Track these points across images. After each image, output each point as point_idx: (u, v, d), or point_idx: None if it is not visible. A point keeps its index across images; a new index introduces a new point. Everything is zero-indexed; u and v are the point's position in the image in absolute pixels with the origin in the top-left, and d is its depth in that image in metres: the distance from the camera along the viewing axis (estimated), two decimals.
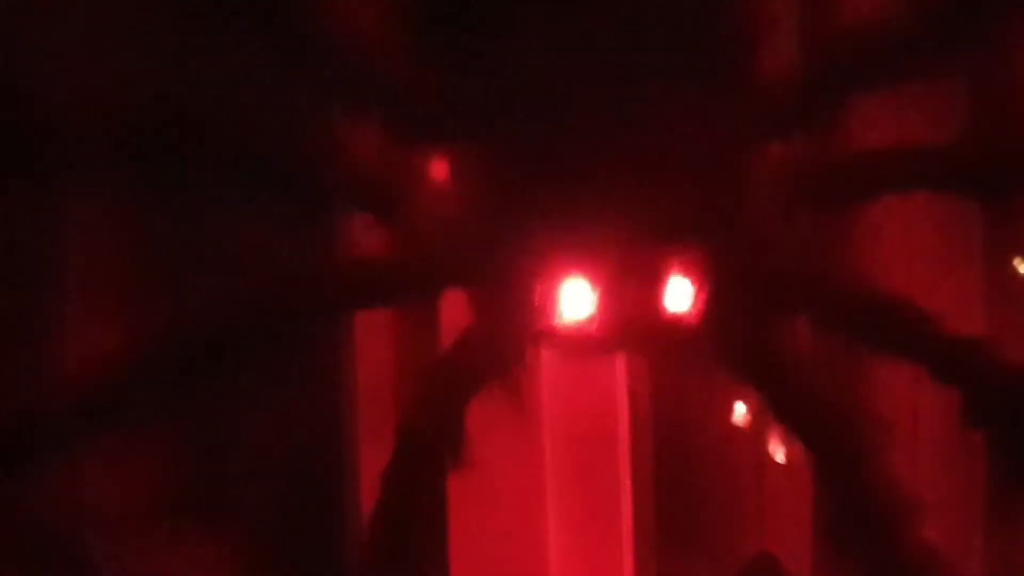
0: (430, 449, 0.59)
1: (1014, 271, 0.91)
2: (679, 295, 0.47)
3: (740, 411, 0.87)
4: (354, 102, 0.63)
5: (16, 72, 0.76)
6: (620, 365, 0.90)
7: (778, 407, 0.53)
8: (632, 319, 0.47)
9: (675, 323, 0.47)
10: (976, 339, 0.64)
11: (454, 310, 0.73)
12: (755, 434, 0.89)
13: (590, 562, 0.87)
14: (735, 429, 0.90)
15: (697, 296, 0.47)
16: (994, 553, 0.95)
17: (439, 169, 0.64)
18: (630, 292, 0.48)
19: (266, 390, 0.86)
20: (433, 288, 0.61)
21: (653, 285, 0.47)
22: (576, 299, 0.48)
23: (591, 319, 0.49)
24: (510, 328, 0.52)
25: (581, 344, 0.50)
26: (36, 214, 0.93)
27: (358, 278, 0.69)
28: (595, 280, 0.48)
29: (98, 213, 0.90)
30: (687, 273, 0.48)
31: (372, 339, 0.89)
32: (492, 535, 0.88)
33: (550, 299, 0.49)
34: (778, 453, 0.89)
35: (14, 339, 0.89)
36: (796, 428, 0.54)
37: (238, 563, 0.92)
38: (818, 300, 0.54)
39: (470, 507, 0.81)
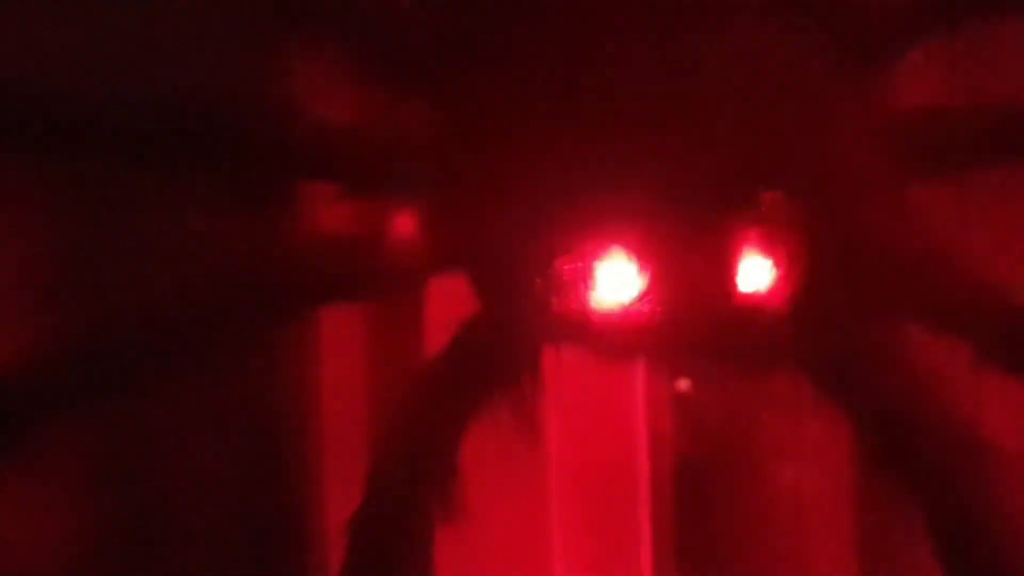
0: (411, 496, 0.46)
1: None
2: (756, 277, 0.34)
3: None
4: (326, 30, 0.51)
5: None
6: (639, 378, 0.79)
7: (880, 426, 0.40)
8: (691, 308, 0.34)
9: (751, 315, 0.35)
10: None
11: (444, 304, 0.59)
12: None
13: None
14: (774, 449, 0.79)
15: (781, 280, 0.35)
16: None
17: (425, 124, 0.51)
18: (689, 273, 0.35)
19: (209, 407, 0.74)
20: (419, 274, 0.47)
21: (720, 264, 0.35)
22: (615, 282, 0.35)
23: (635, 307, 0.36)
24: (522, 323, 0.38)
25: (619, 343, 0.36)
26: None
27: (324, 265, 0.57)
28: (641, 257, 0.35)
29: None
30: (767, 249, 0.35)
31: (341, 342, 0.81)
32: None
33: (578, 283, 0.36)
34: None
35: None
36: (899, 451, 0.41)
37: None
38: (938, 293, 0.41)
39: (462, 558, 0.67)
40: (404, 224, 0.51)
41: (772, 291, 0.38)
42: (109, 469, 0.80)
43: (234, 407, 0.72)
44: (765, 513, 0.87)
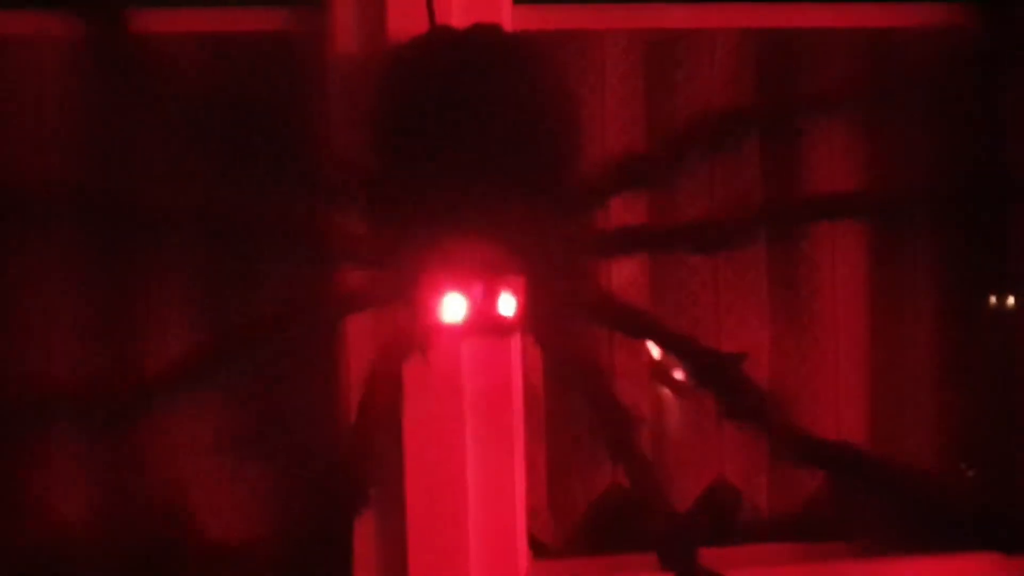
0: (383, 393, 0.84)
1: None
2: (509, 305, 0.79)
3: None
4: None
5: None
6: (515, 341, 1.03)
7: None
8: (481, 319, 0.79)
9: (507, 323, 0.79)
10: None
11: None
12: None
13: (493, 487, 1.05)
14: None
15: (519, 308, 0.79)
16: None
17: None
18: (480, 303, 0.79)
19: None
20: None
21: (494, 299, 0.79)
22: (453, 305, 0.80)
23: (467, 319, 0.81)
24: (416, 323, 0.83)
25: (462, 331, 0.82)
26: None
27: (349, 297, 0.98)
28: (465, 293, 0.80)
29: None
30: (515, 292, 0.80)
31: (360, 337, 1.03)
32: (431, 467, 1.04)
33: (437, 305, 0.81)
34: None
35: None
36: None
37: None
38: (602, 313, 0.86)
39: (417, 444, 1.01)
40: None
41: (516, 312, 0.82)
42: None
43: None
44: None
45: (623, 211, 1.08)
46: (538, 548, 1.13)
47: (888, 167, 1.17)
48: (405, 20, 0.97)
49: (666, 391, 1.19)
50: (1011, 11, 1.09)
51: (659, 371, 1.17)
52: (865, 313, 1.18)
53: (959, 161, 1.17)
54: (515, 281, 0.78)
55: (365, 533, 1.02)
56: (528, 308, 0.79)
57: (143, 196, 0.98)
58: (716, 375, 0.87)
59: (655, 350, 1.15)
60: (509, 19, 1.05)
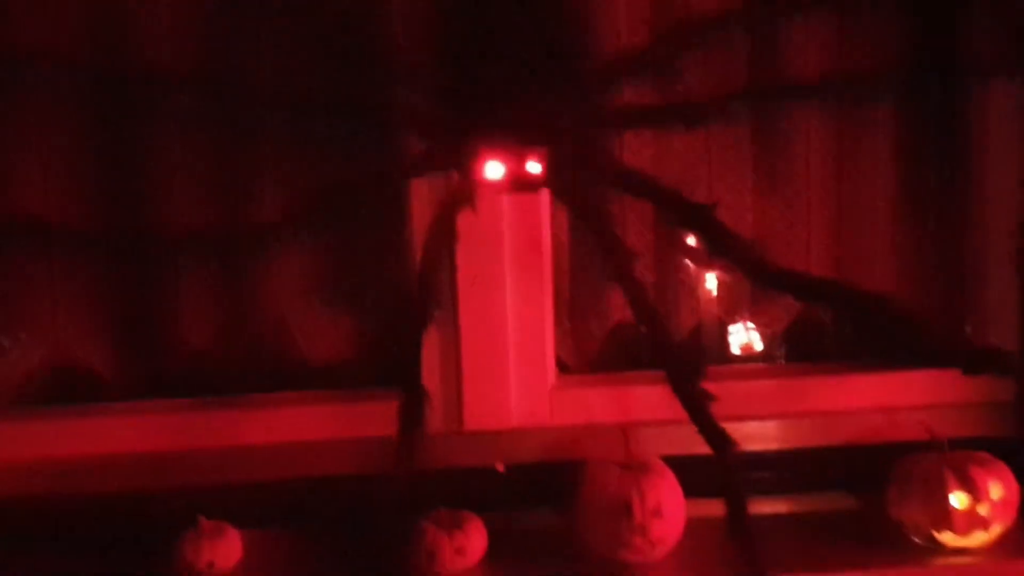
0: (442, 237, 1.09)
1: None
2: (535, 168, 1.03)
3: None
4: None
5: None
6: (543, 199, 1.22)
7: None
8: (514, 178, 1.03)
9: (533, 180, 1.03)
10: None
11: None
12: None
13: (528, 317, 1.24)
14: None
15: (543, 170, 1.03)
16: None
17: None
18: (513, 167, 1.03)
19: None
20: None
21: (523, 163, 1.03)
22: (493, 168, 1.04)
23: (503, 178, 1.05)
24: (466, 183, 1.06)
25: (500, 188, 1.05)
26: None
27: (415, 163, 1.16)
28: (502, 159, 1.04)
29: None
30: (539, 158, 1.04)
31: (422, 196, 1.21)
32: (479, 299, 1.22)
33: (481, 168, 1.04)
34: None
35: None
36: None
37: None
38: (610, 175, 1.09)
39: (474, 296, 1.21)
40: None
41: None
42: None
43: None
44: None
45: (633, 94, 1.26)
46: (563, 367, 1.31)
47: (858, 51, 1.31)
48: None
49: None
50: None
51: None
52: (833, 176, 1.36)
53: (922, 44, 1.30)
54: (539, 150, 1.02)
55: (431, 349, 1.24)
56: (550, 170, 1.03)
57: (253, 78, 1.17)
58: (697, 221, 1.10)
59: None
60: None
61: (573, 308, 1.32)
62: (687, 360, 1.06)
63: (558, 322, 1.29)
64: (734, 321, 1.36)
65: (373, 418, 1.20)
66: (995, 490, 1.15)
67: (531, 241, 1.22)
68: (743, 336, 1.37)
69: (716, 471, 1.07)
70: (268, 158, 1.22)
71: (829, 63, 1.31)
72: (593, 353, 1.33)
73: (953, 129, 1.32)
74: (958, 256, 1.33)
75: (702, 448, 1.11)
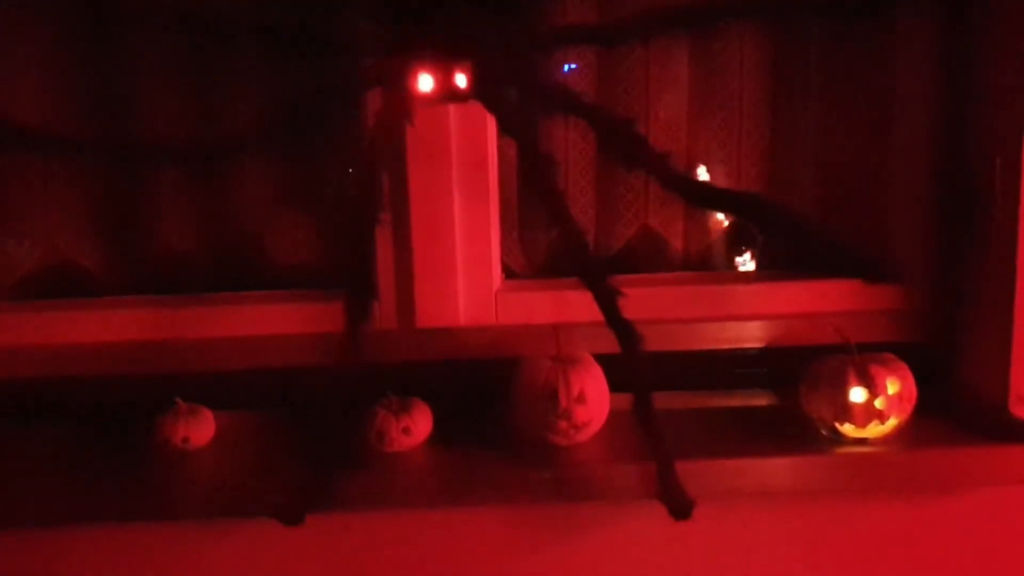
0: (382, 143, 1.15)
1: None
2: (462, 81, 1.10)
3: None
4: None
5: None
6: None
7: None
8: (443, 90, 1.10)
9: (460, 92, 1.11)
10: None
11: None
12: None
13: (475, 224, 1.30)
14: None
15: (469, 83, 1.10)
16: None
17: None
18: (442, 80, 1.11)
19: None
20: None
21: (451, 77, 1.10)
22: (424, 81, 1.11)
23: (433, 90, 1.13)
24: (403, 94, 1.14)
25: (431, 100, 1.13)
26: None
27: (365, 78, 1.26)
28: (432, 73, 1.11)
29: None
30: (466, 73, 1.11)
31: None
32: (430, 205, 1.28)
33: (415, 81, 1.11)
34: None
35: None
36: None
37: None
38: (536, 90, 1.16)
39: (424, 204, 1.27)
40: None
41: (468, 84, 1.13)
42: None
43: None
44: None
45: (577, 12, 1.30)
46: (510, 273, 1.39)
47: None
48: None
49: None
50: None
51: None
52: (765, 98, 1.42)
53: None
54: (466, 65, 1.09)
55: (384, 251, 1.33)
56: (476, 83, 1.10)
57: (224, 8, 1.23)
58: (620, 135, 1.17)
59: None
60: None
61: (521, 217, 1.39)
62: (598, 262, 1.13)
63: (506, 230, 1.36)
64: (671, 231, 1.43)
65: (331, 315, 1.28)
66: (892, 386, 1.23)
67: (477, 153, 1.28)
68: (680, 245, 1.44)
69: (624, 365, 1.15)
70: (240, 77, 1.31)
71: None
72: (539, 260, 1.40)
73: (877, 55, 1.36)
74: (878, 176, 1.38)
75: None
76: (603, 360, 1.26)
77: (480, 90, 1.10)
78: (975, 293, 1.32)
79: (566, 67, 1.36)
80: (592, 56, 1.38)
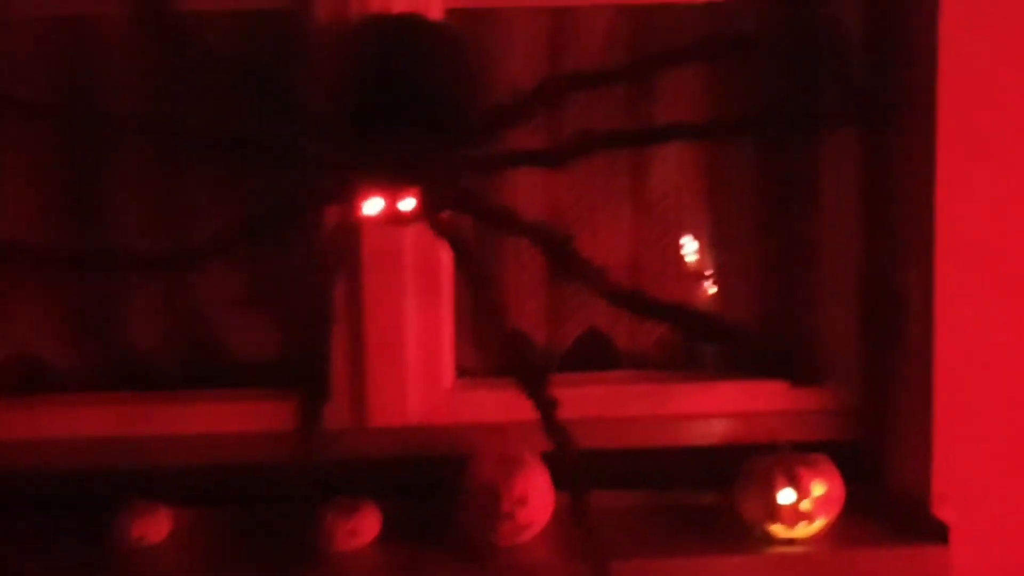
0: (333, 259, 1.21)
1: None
2: (408, 205, 1.15)
3: None
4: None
5: None
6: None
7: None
8: (390, 213, 1.16)
9: (406, 216, 1.16)
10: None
11: None
12: None
13: (428, 324, 1.33)
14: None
15: (416, 207, 1.15)
16: None
17: None
18: (390, 203, 1.16)
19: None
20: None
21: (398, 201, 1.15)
22: (372, 204, 1.16)
23: (381, 213, 1.17)
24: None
25: (379, 221, 1.18)
26: None
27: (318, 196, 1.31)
28: (381, 196, 1.16)
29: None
30: (413, 197, 1.16)
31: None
32: (382, 312, 1.31)
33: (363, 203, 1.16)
34: None
35: None
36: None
37: None
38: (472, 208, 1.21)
39: (378, 308, 1.30)
40: None
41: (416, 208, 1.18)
42: None
43: None
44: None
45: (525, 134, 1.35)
46: (464, 371, 1.37)
47: (723, 103, 1.44)
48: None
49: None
50: None
51: None
52: (701, 209, 1.48)
53: (779, 95, 1.42)
54: (413, 190, 1.14)
55: (339, 352, 1.34)
56: (423, 206, 1.15)
57: (188, 124, 1.31)
58: (557, 250, 1.22)
59: None
60: (439, 1, 1.35)
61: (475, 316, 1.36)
62: (538, 369, 1.17)
63: (461, 329, 1.36)
64: (617, 331, 1.47)
65: (287, 413, 1.31)
66: (818, 488, 1.27)
67: (431, 257, 1.31)
68: (625, 343, 1.48)
69: (561, 467, 1.18)
70: (204, 188, 1.34)
71: (700, 108, 1.44)
72: (493, 358, 1.38)
73: (805, 170, 1.43)
74: (807, 281, 1.44)
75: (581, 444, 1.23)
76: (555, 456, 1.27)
77: (427, 213, 1.15)
78: (898, 395, 1.37)
79: None
80: (540, 173, 1.42)
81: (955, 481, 1.28)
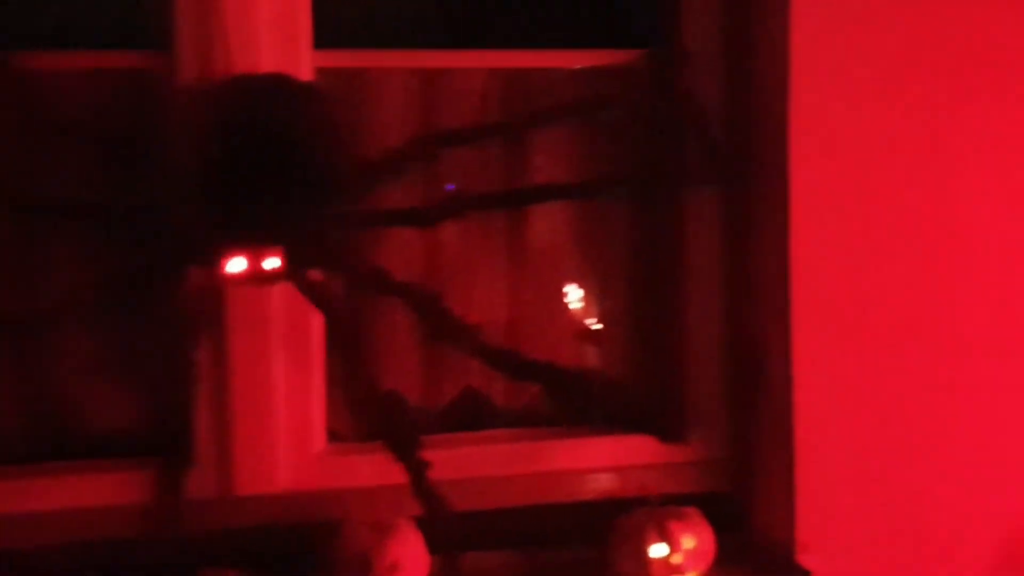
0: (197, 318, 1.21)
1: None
2: (271, 265, 1.13)
3: None
4: None
5: None
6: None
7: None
8: (253, 273, 1.13)
9: (269, 275, 1.14)
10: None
11: None
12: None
13: (298, 389, 1.31)
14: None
15: (280, 267, 1.14)
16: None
17: None
18: (253, 264, 1.13)
19: None
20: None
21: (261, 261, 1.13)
22: (236, 264, 1.14)
23: (244, 272, 1.15)
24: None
25: (242, 281, 1.15)
26: None
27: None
28: (244, 256, 1.14)
29: None
30: (277, 257, 1.14)
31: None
32: (249, 376, 1.28)
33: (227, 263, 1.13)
34: None
35: None
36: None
37: None
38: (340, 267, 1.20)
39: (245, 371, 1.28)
40: None
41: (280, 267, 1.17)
42: None
43: None
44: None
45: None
46: (335, 436, 1.35)
47: (593, 163, 1.48)
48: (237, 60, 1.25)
49: None
50: (666, 56, 1.43)
51: None
52: (576, 266, 1.50)
53: (646, 155, 1.46)
54: (278, 249, 1.12)
55: (203, 418, 1.30)
56: (288, 266, 1.13)
57: (47, 193, 1.27)
58: (426, 309, 1.21)
59: None
60: (309, 60, 1.35)
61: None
62: (407, 430, 1.16)
63: (333, 393, 1.34)
64: (493, 389, 1.47)
65: (149, 484, 1.25)
66: (688, 541, 1.28)
67: (300, 319, 1.29)
68: (502, 400, 1.49)
69: (434, 531, 1.16)
70: (64, 250, 1.30)
71: (573, 167, 1.48)
72: (364, 422, 1.37)
73: (671, 228, 1.47)
74: (675, 336, 1.47)
75: (458, 506, 1.23)
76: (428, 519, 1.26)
77: (292, 272, 1.13)
78: (763, 446, 1.40)
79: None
80: (412, 232, 1.42)
81: (818, 528, 1.32)
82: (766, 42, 1.34)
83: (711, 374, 1.45)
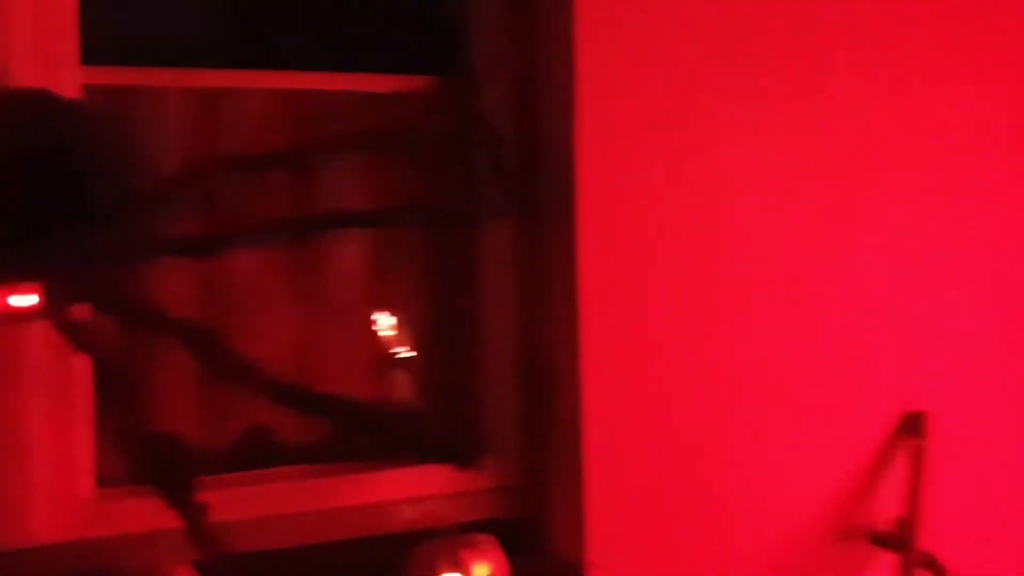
0: None
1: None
2: (28, 302, 1.03)
3: None
4: None
5: None
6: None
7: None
8: (7, 311, 1.02)
9: (26, 312, 1.03)
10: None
11: None
12: None
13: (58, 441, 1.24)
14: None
15: (38, 304, 1.03)
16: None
17: None
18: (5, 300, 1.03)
19: None
20: None
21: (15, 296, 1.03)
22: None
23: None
24: None
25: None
26: None
27: None
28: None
29: None
30: (34, 294, 1.04)
31: None
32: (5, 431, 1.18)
33: None
34: None
35: None
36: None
37: None
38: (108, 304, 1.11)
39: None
40: None
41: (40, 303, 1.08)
42: None
43: None
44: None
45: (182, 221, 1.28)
46: (105, 479, 1.31)
47: (385, 191, 1.45)
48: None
49: None
50: (459, 84, 1.43)
51: None
52: (367, 296, 1.46)
53: (440, 186, 1.44)
54: (34, 285, 1.02)
55: None
56: (47, 303, 1.02)
57: None
58: (202, 346, 1.14)
59: None
60: (76, 77, 1.24)
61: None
62: (180, 472, 1.08)
63: (103, 436, 1.26)
64: (282, 425, 1.41)
65: None
66: (480, 570, 1.27)
67: (61, 360, 1.22)
68: (291, 437, 1.42)
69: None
70: None
71: (364, 196, 1.44)
72: (135, 465, 1.30)
73: (467, 257, 1.46)
74: (470, 364, 1.46)
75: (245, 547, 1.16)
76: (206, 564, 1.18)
77: (52, 310, 1.02)
78: (554, 470, 1.42)
79: None
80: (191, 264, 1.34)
81: (608, 549, 1.34)
82: (553, 70, 1.37)
83: (506, 402, 1.45)
